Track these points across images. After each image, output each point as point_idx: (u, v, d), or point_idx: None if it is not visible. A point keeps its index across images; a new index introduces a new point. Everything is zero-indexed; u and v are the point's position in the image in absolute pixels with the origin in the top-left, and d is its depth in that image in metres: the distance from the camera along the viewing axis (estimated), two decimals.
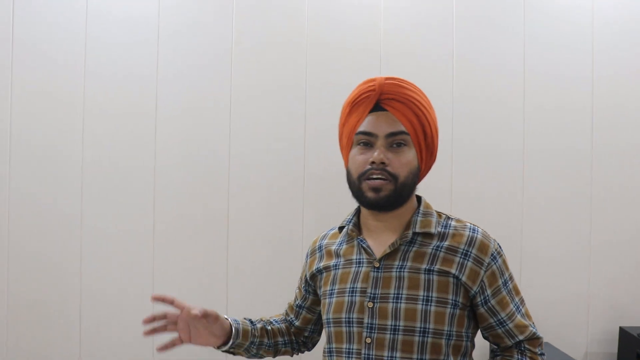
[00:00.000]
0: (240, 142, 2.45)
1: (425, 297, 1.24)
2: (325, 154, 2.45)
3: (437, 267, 1.26)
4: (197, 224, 2.45)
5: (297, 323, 1.51)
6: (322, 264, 1.39)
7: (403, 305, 1.24)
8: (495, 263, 1.29)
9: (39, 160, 2.41)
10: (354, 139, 1.31)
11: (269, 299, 2.46)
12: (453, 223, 1.32)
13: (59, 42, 2.41)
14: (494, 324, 1.30)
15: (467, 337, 1.29)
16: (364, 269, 1.30)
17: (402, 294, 1.25)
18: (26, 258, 2.41)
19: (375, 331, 1.25)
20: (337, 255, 1.37)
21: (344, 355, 1.29)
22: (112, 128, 2.43)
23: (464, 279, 1.25)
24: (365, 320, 1.26)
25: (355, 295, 1.28)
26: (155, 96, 2.43)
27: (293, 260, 2.44)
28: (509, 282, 1.32)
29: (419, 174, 1.32)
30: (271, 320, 1.51)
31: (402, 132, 1.28)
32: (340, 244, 1.39)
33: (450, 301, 1.25)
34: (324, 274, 1.38)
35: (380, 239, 1.33)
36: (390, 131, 1.28)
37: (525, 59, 2.47)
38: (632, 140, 2.48)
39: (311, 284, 1.43)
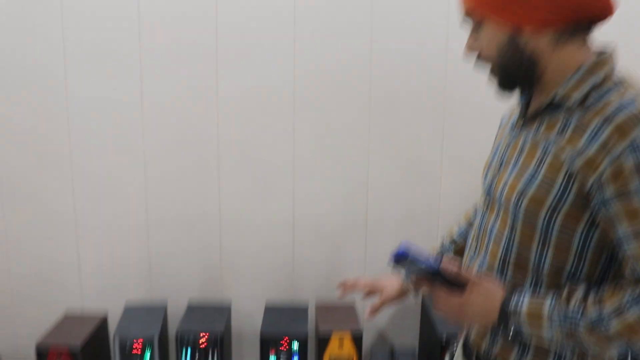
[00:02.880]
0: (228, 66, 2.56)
1: (532, 173, 1.07)
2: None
3: (558, 143, 1.04)
4: (188, 148, 2.53)
5: None
6: (502, 126, 1.32)
7: (512, 176, 1.12)
8: (633, 155, 0.94)
9: (21, 85, 2.46)
10: None
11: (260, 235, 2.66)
12: (613, 93, 1.01)
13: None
14: (614, 240, 1.01)
15: (583, 241, 1.04)
16: (507, 131, 1.22)
17: (517, 164, 1.12)
18: (18, 196, 2.54)
19: (490, 198, 1.20)
20: (509, 117, 1.28)
21: (478, 216, 1.28)
22: (95, 60, 2.52)
23: (579, 163, 0.99)
24: (487, 184, 1.22)
25: (495, 157, 1.23)
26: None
27: (278, 183, 2.63)
28: None
29: (521, 39, 1.05)
30: (455, 238, 1.49)
31: (468, 14, 1.11)
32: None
33: (557, 186, 1.03)
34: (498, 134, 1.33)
35: (538, 99, 1.15)
36: (464, 17, 1.14)
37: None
38: None
39: None
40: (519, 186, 1.09)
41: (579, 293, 1.03)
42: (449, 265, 1.13)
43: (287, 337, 2.18)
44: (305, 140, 2.53)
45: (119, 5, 2.40)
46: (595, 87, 1.03)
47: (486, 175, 1.24)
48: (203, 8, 2.42)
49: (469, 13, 1.09)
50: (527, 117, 1.13)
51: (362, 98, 2.49)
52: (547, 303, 1.04)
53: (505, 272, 1.14)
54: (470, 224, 1.49)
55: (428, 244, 2.60)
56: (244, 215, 2.58)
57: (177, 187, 2.56)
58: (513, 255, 1.12)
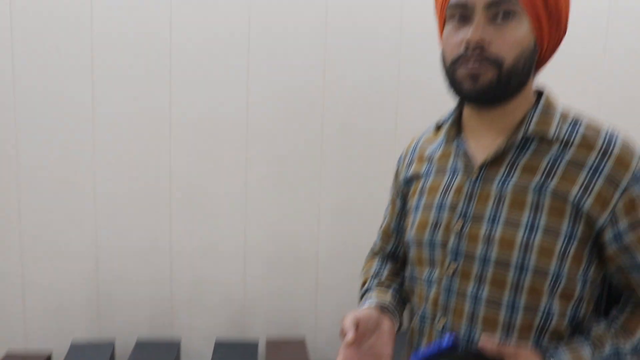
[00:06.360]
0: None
1: (529, 224, 0.95)
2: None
3: (552, 184, 0.95)
4: (138, 179, 2.46)
5: (401, 253, 1.26)
6: (411, 172, 1.15)
7: (499, 231, 0.97)
8: (638, 186, 0.95)
9: None
10: (446, 13, 0.99)
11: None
12: (583, 126, 0.98)
13: None
14: (627, 267, 0.98)
15: (583, 282, 0.98)
16: (458, 179, 1.04)
17: (500, 216, 0.97)
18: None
19: (461, 258, 1.01)
20: (430, 161, 1.11)
21: (424, 283, 1.08)
22: None
23: (587, 204, 0.94)
24: (450, 244, 1.02)
25: (442, 212, 1.03)
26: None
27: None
28: None
29: (535, 56, 0.98)
30: (392, 285, 1.21)
31: None
32: (437, 147, 1.11)
33: (564, 233, 0.94)
34: (413, 184, 1.13)
35: (483, 142, 1.03)
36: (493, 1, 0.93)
37: None
38: None
39: (404, 194, 1.18)
40: (518, 239, 0.95)
41: (607, 331, 0.98)
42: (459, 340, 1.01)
43: None
44: (257, 171, 2.48)
45: (70, 26, 2.33)
46: (561, 121, 1.00)
47: (433, 234, 1.05)
48: (156, 33, 2.36)
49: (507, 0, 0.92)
50: (487, 163, 1.01)
51: (315, 127, 2.49)
52: (586, 353, 0.95)
53: (509, 335, 0.99)
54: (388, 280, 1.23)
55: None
56: (196, 248, 2.50)
57: (128, 219, 2.44)
58: (519, 318, 0.98)
